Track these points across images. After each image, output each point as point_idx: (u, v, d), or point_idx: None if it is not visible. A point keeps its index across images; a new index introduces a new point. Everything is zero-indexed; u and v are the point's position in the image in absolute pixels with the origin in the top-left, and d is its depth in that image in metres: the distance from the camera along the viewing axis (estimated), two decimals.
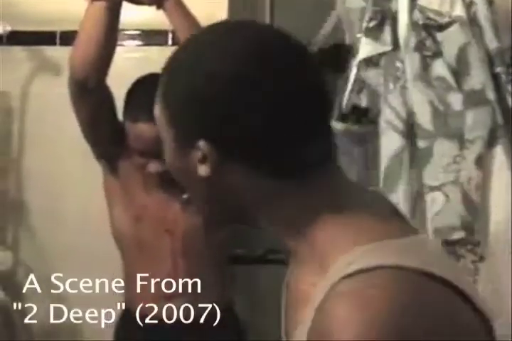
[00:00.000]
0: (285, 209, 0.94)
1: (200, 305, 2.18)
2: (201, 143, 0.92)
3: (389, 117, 1.81)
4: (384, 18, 1.89)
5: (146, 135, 1.98)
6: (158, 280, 2.17)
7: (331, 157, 0.98)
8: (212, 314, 2.19)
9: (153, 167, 2.03)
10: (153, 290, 2.17)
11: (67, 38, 2.60)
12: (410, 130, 1.78)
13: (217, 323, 2.19)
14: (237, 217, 1.01)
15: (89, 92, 2.00)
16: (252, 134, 0.91)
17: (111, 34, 1.98)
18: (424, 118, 1.75)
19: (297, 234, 0.94)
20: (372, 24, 1.89)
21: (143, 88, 2.05)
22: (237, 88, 0.90)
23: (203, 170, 0.93)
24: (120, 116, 2.11)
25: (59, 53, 2.70)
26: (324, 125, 0.97)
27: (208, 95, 0.91)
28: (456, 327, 0.84)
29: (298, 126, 0.93)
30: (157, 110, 1.01)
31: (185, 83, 0.94)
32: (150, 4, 1.95)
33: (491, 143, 1.71)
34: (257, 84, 0.90)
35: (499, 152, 1.71)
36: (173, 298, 2.17)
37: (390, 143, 1.80)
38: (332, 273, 0.86)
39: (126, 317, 2.27)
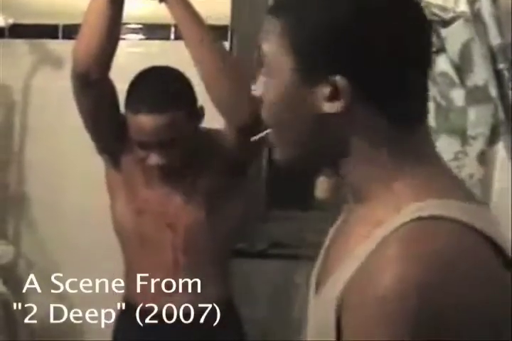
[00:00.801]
0: (386, 153, 0.95)
1: (201, 301, 2.18)
2: (337, 78, 0.90)
3: None
4: None
5: (147, 126, 1.98)
6: (159, 275, 2.17)
7: (427, 112, 1.00)
8: (213, 310, 2.19)
9: (154, 159, 2.03)
10: (153, 284, 2.17)
11: (70, 31, 2.60)
12: None
13: (218, 319, 2.19)
14: (320, 161, 1.02)
15: (92, 85, 2.00)
16: (389, 73, 0.91)
17: (114, 27, 1.98)
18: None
19: (381, 176, 0.96)
20: None
21: (145, 80, 2.06)
22: (387, 21, 0.91)
23: (332, 106, 0.92)
24: (123, 109, 2.11)
25: (61, 47, 2.70)
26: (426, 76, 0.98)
27: (354, 27, 0.90)
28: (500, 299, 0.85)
29: (421, 69, 0.96)
30: (273, 40, 0.95)
31: (327, 11, 0.91)
32: None
33: (492, 140, 1.71)
34: (404, 18, 0.92)
35: (501, 149, 1.71)
36: (173, 292, 2.17)
37: None
38: (403, 214, 0.88)
39: (126, 313, 2.27)
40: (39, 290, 2.91)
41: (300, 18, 0.93)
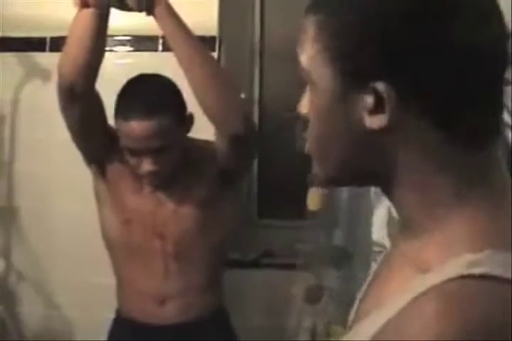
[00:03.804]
0: (445, 180, 0.80)
1: (192, 310, 2.18)
2: (379, 85, 0.76)
3: None
4: None
5: (138, 133, 1.99)
6: (150, 284, 2.17)
7: (500, 133, 0.83)
8: (204, 319, 2.19)
9: (146, 166, 2.04)
10: (145, 295, 2.17)
11: (57, 44, 2.59)
12: None
13: (209, 327, 2.19)
14: (365, 182, 0.91)
15: (78, 98, 2.00)
16: (451, 81, 0.76)
17: (99, 40, 1.98)
18: None
19: (435, 208, 0.81)
20: None
21: (135, 88, 2.07)
22: (436, 21, 0.76)
23: (376, 120, 0.78)
24: (111, 122, 2.11)
25: (49, 59, 2.69)
26: (501, 91, 0.82)
27: (400, 27, 0.76)
28: None
29: (487, 83, 0.79)
30: (309, 47, 0.83)
31: (364, 12, 0.78)
32: (140, 10, 1.95)
33: None
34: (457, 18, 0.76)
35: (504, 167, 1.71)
36: (164, 302, 2.17)
37: None
38: (452, 266, 0.76)
39: (118, 321, 2.27)
40: (30, 301, 2.90)
41: (338, 11, 0.80)
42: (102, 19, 1.96)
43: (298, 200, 2.45)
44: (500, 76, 0.81)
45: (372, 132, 0.79)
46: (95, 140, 2.14)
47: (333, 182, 0.93)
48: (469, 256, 0.75)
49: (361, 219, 2.17)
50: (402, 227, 0.87)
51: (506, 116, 1.75)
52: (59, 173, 2.86)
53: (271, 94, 3.12)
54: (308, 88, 0.86)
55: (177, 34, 1.97)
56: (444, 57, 0.76)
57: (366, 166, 0.83)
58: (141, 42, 2.75)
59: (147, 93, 2.04)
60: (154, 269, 2.17)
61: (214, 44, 2.69)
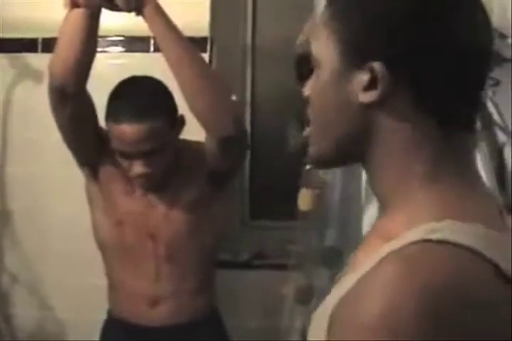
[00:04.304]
0: (422, 158, 0.88)
1: (185, 311, 2.18)
2: (376, 64, 0.85)
3: None
4: None
5: (129, 136, 1.99)
6: (142, 286, 2.16)
7: (475, 123, 0.91)
8: (196, 320, 2.19)
9: (138, 169, 2.04)
10: (137, 297, 2.17)
11: (49, 44, 2.59)
12: None
13: (201, 328, 2.19)
14: (349, 157, 0.95)
15: (69, 99, 2.00)
16: (435, 62, 0.85)
17: (90, 40, 1.98)
18: None
19: (408, 185, 0.89)
20: None
21: (126, 90, 2.07)
22: (431, 7, 0.85)
23: (367, 96, 0.86)
24: (102, 122, 2.11)
25: (41, 60, 2.68)
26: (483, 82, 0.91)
27: (397, 11, 0.86)
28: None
29: (474, 78, 0.88)
30: (321, 34, 0.92)
31: (369, 9, 0.87)
32: (129, 11, 1.95)
33: None
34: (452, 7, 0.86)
35: (476, 155, 1.71)
36: (156, 303, 2.16)
37: None
38: (414, 233, 0.82)
39: (110, 322, 2.27)
40: (23, 303, 2.90)
41: (348, 3, 0.90)
42: (93, 19, 1.95)
43: (289, 201, 2.45)
44: (485, 73, 0.90)
45: (364, 106, 0.87)
46: (86, 141, 2.14)
47: (325, 161, 0.99)
48: (431, 224, 0.83)
49: (352, 220, 2.16)
50: (379, 205, 0.95)
51: (496, 116, 1.76)
52: (52, 174, 2.85)
53: (263, 95, 3.13)
54: (314, 73, 0.94)
55: (166, 34, 1.96)
56: (439, 52, 0.85)
57: (356, 143, 0.91)
58: (133, 43, 2.75)
59: (138, 96, 2.04)
60: (146, 271, 2.17)
61: (205, 45, 2.69)
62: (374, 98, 0.86)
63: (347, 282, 0.85)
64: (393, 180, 0.90)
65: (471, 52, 0.87)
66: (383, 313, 0.75)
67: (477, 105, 0.91)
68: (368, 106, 0.87)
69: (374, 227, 0.95)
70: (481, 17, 0.89)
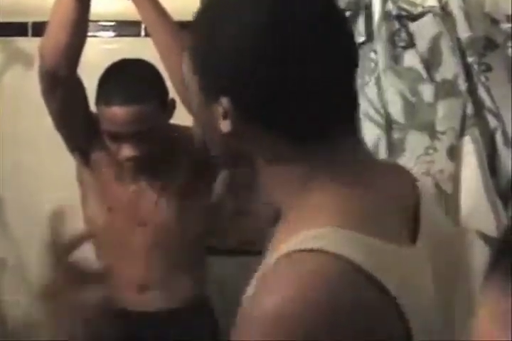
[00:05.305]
0: (288, 173, 0.94)
1: (174, 299, 2.18)
2: (223, 100, 0.92)
3: (366, 109, 1.81)
4: (358, 8, 1.89)
5: (120, 118, 1.99)
6: (132, 272, 2.16)
7: (349, 128, 0.96)
8: (186, 306, 2.19)
9: (126, 151, 2.03)
10: (126, 283, 2.16)
11: (39, 28, 2.57)
12: (387, 121, 1.79)
13: (192, 315, 2.19)
14: (245, 168, 1.01)
15: (60, 82, 1.99)
16: (271, 93, 0.90)
17: (81, 23, 1.96)
18: (396, 110, 1.75)
19: (285, 197, 0.94)
20: (346, 15, 1.88)
21: (116, 72, 2.06)
22: (259, 44, 0.90)
23: (224, 125, 0.93)
24: (93, 107, 2.10)
25: (31, 44, 2.67)
26: (347, 92, 0.95)
27: (228, 50, 0.91)
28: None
29: (318, 88, 0.92)
30: (185, 60, 0.99)
31: (207, 36, 0.94)
32: None
33: (461, 133, 1.72)
34: (280, 40, 0.89)
35: (468, 140, 1.71)
36: (145, 289, 2.16)
37: (367, 134, 1.81)
38: (291, 243, 0.87)
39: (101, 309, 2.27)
40: (13, 290, 2.89)
41: (194, 40, 0.97)
42: (84, 2, 1.94)
43: None
44: (341, 90, 0.94)
45: (226, 134, 0.94)
46: (77, 126, 2.13)
47: (226, 163, 1.09)
48: (310, 232, 0.87)
49: None
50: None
51: (488, 102, 1.76)
52: (43, 162, 2.83)
53: None
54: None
55: (155, 19, 1.95)
56: (277, 85, 0.90)
57: (240, 157, 0.98)
58: (124, 28, 2.73)
59: (129, 78, 2.03)
60: (136, 257, 2.16)
61: None
62: (228, 129, 0.93)
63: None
64: (277, 194, 0.96)
65: (312, 81, 0.91)
66: (268, 320, 0.81)
67: (340, 112, 0.94)
68: (229, 134, 0.94)
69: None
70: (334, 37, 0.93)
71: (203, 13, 0.97)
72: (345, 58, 0.94)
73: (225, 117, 0.93)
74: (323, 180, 0.93)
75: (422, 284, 0.92)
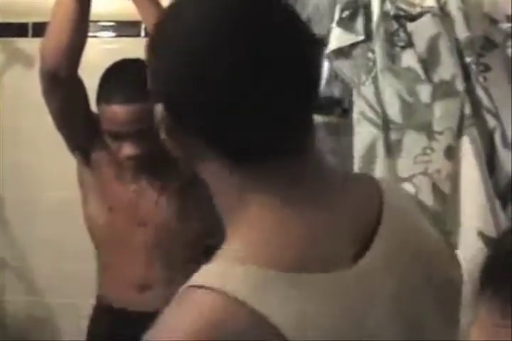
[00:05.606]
0: (224, 188, 0.91)
1: (173, 297, 2.18)
2: (157, 107, 0.91)
3: (362, 108, 1.81)
4: (357, 8, 1.89)
5: (120, 116, 2.00)
6: (132, 271, 2.16)
7: (300, 146, 0.89)
8: None
9: (127, 150, 2.03)
10: (126, 282, 2.17)
11: (40, 29, 2.58)
12: (384, 121, 1.79)
13: None
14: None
15: (61, 83, 1.99)
16: (202, 106, 0.86)
17: (82, 23, 1.97)
18: (393, 110, 1.76)
19: (226, 212, 0.93)
20: (345, 14, 1.89)
21: (117, 72, 2.08)
22: (187, 55, 0.87)
23: (161, 132, 0.92)
24: (93, 107, 2.11)
25: (31, 45, 2.68)
26: (293, 112, 0.87)
27: (158, 60, 0.91)
28: None
29: (256, 103, 0.85)
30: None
31: (152, 40, 0.94)
32: None
33: (459, 133, 1.72)
34: (215, 50, 0.85)
35: (466, 141, 1.71)
36: (145, 289, 2.16)
37: (363, 133, 1.81)
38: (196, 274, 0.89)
39: (100, 308, 2.27)
40: (13, 289, 2.90)
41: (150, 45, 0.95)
42: (84, 2, 1.95)
43: None
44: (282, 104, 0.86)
45: (167, 141, 0.92)
46: (78, 125, 2.14)
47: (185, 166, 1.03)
48: (208, 266, 0.87)
49: None
50: None
51: (486, 102, 1.76)
52: (43, 160, 2.85)
53: None
54: None
55: (154, 19, 1.95)
56: (214, 99, 0.85)
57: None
58: (124, 28, 2.75)
59: (130, 78, 2.04)
60: (136, 257, 2.16)
61: None
62: (163, 135, 0.92)
63: None
64: (222, 212, 0.93)
65: (251, 103, 0.85)
66: None
67: (286, 133, 0.87)
68: (167, 141, 0.92)
69: None
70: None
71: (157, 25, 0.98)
72: (294, 81, 0.86)
73: (161, 123, 0.91)
74: (260, 201, 0.88)
75: (354, 306, 0.86)
